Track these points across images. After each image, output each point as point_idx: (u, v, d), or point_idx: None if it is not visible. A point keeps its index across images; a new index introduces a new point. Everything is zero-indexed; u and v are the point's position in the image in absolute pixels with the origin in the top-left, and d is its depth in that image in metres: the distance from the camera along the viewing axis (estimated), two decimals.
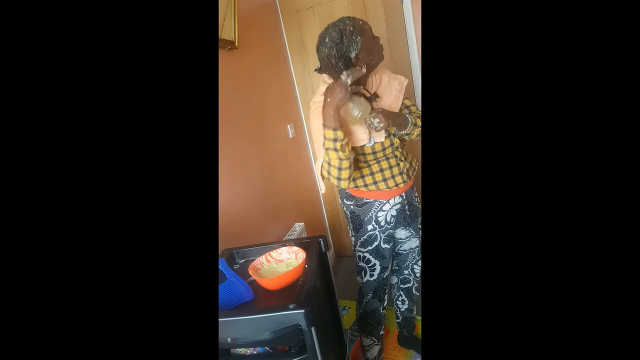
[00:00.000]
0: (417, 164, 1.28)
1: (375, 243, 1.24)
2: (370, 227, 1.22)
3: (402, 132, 1.12)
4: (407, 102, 1.20)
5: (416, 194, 1.32)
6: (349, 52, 1.04)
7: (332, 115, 0.96)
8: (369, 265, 1.28)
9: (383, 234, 1.24)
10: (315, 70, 1.14)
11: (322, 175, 1.11)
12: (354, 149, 1.11)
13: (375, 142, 1.12)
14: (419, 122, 1.14)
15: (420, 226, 1.35)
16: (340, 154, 1.01)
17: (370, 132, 1.09)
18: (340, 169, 1.04)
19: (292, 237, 1.77)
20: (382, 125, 1.00)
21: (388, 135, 1.13)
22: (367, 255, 1.26)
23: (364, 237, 1.24)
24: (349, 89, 0.94)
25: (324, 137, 1.00)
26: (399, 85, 1.18)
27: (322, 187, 1.18)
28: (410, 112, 1.17)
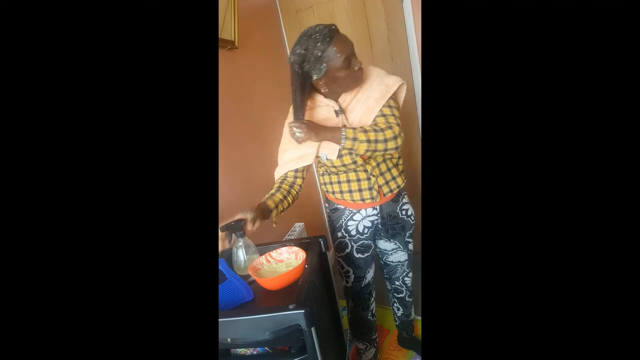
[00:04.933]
0: (402, 181, 1.17)
1: (347, 250, 1.23)
2: (339, 234, 1.22)
3: (341, 146, 1.01)
4: (386, 111, 1.04)
5: (405, 207, 1.23)
6: (310, 73, 0.99)
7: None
8: (343, 270, 1.27)
9: (355, 243, 1.21)
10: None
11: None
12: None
13: (328, 159, 1.08)
14: (365, 137, 0.98)
15: (408, 240, 1.29)
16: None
17: (319, 149, 1.08)
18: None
19: (292, 237, 1.77)
20: (303, 136, 1.00)
21: (350, 153, 1.06)
22: (341, 260, 1.26)
23: (336, 242, 1.24)
24: (301, 141, 1.02)
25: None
26: (381, 92, 1.04)
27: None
28: (376, 124, 1.04)
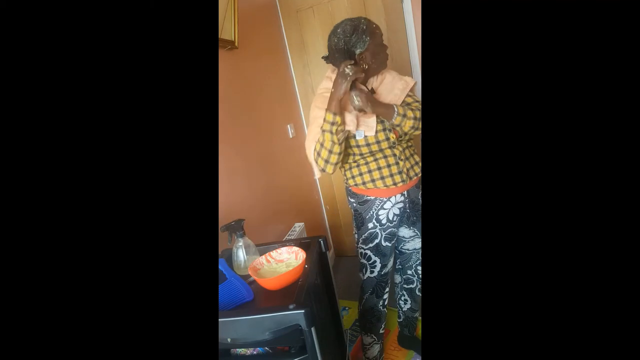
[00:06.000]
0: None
1: (376, 241, 1.26)
2: (370, 225, 1.24)
3: (390, 122, 1.11)
4: (409, 100, 1.19)
5: None
6: (355, 47, 1.10)
7: (334, 101, 1.07)
8: (370, 262, 1.30)
9: (384, 232, 1.25)
10: (323, 58, 1.19)
11: (314, 159, 1.16)
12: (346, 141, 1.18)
13: (366, 136, 1.14)
14: (412, 115, 1.11)
15: None
16: (334, 137, 1.10)
17: (358, 125, 1.14)
18: (330, 151, 1.11)
19: (292, 237, 1.77)
20: (360, 104, 1.07)
21: (383, 130, 1.14)
22: (368, 252, 1.28)
23: (365, 234, 1.26)
24: (350, 79, 1.04)
25: (324, 120, 1.09)
26: (402, 85, 1.18)
27: (316, 173, 1.20)
28: (408, 104, 1.17)
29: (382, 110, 1.10)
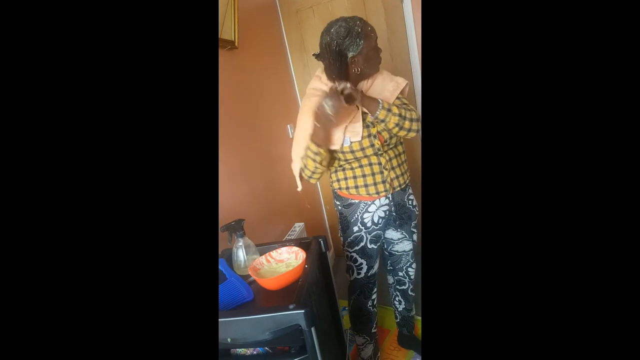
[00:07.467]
0: (408, 177, 1.26)
1: (362, 244, 1.26)
2: (355, 228, 1.25)
3: (374, 115, 1.09)
4: (397, 102, 1.16)
5: (411, 197, 1.30)
6: (347, 50, 1.08)
7: (320, 136, 1.08)
8: (356, 264, 1.30)
9: (370, 234, 1.25)
10: (314, 55, 1.17)
11: (300, 175, 1.21)
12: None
13: (352, 142, 1.13)
14: (397, 111, 1.09)
15: (413, 229, 1.35)
16: (317, 165, 1.14)
17: (345, 132, 1.12)
18: (314, 172, 1.17)
19: (292, 237, 1.77)
20: (332, 114, 1.01)
21: (368, 136, 1.13)
22: (354, 255, 1.29)
23: (351, 237, 1.27)
24: (334, 115, 1.01)
25: (308, 147, 1.11)
26: (394, 87, 1.16)
27: (299, 185, 1.25)
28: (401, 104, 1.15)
29: (367, 102, 1.09)
